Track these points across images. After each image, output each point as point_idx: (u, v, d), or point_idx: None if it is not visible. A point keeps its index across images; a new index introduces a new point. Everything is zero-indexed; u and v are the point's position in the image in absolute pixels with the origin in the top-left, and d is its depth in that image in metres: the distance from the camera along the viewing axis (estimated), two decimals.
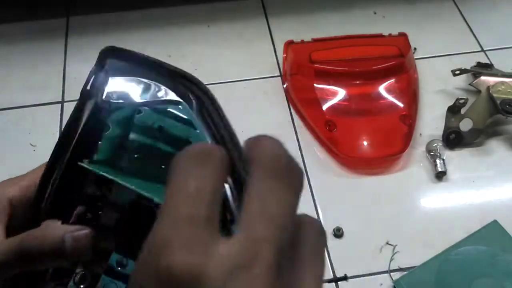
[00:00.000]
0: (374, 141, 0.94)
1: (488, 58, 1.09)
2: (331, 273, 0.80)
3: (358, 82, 0.98)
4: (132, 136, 0.33)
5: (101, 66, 0.34)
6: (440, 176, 0.90)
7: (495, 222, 0.84)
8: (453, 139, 0.93)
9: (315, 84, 0.98)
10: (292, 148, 0.94)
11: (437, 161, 0.90)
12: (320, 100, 0.97)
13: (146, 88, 0.33)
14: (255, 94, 1.04)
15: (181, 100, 0.33)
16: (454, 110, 0.93)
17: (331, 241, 0.83)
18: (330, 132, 0.94)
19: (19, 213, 0.34)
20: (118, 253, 0.31)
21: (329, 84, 0.98)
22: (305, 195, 0.88)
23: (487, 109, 0.93)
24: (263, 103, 1.02)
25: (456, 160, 0.93)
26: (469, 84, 1.00)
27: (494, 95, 0.92)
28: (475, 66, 1.05)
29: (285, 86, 1.04)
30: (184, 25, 1.17)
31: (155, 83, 0.33)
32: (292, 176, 0.25)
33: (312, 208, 0.87)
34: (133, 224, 0.32)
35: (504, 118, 0.96)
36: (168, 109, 0.33)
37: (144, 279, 0.21)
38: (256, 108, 1.01)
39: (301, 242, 0.24)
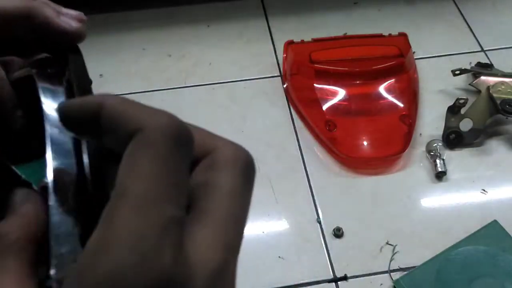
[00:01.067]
0: (374, 141, 0.94)
1: (488, 58, 1.09)
2: (331, 273, 0.80)
3: (358, 82, 0.98)
4: None
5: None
6: (440, 176, 0.90)
7: (495, 222, 0.84)
8: (453, 139, 0.93)
9: (315, 84, 0.98)
10: (292, 148, 0.95)
11: (437, 161, 0.90)
12: (320, 100, 0.97)
13: None
14: (255, 94, 1.04)
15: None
16: (454, 110, 0.93)
17: (331, 241, 0.83)
18: (330, 132, 0.94)
19: None
20: None
21: (329, 84, 0.98)
22: (305, 195, 0.88)
23: (487, 109, 0.93)
24: (263, 103, 1.02)
25: (456, 160, 0.93)
26: (469, 84, 1.00)
27: (494, 95, 0.92)
28: (475, 66, 1.05)
29: (285, 86, 1.04)
30: (184, 25, 1.17)
31: None
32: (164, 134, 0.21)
33: (312, 208, 0.87)
34: None
35: (504, 118, 0.96)
36: None
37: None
38: (256, 108, 1.01)
39: (207, 184, 0.21)
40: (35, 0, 0.29)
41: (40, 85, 0.28)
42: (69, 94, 0.28)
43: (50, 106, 0.26)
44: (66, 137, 0.25)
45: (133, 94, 1.04)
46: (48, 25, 0.30)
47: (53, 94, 0.27)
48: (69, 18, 0.31)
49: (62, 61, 0.32)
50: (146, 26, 1.17)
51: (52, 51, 0.32)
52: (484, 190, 0.90)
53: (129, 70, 1.08)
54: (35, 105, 0.27)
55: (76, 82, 0.29)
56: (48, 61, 0.31)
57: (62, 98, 0.27)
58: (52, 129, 0.25)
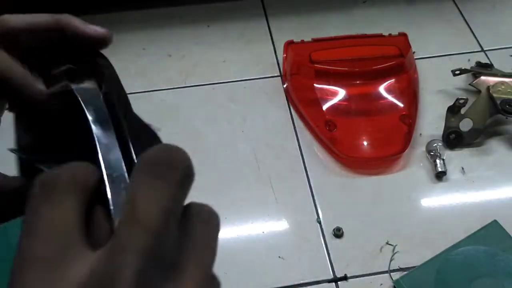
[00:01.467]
0: (374, 141, 0.94)
1: (488, 58, 1.09)
2: (331, 273, 0.80)
3: (358, 82, 0.98)
4: None
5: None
6: (440, 176, 0.90)
7: (495, 222, 0.84)
8: (453, 139, 0.93)
9: (315, 84, 0.98)
10: (292, 148, 0.95)
11: (437, 161, 0.90)
12: (320, 100, 0.97)
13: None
14: (255, 94, 1.04)
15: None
16: (454, 110, 0.93)
17: (331, 241, 0.83)
18: (330, 132, 0.94)
19: None
20: None
21: (329, 84, 0.98)
22: (305, 195, 0.88)
23: (487, 109, 0.93)
24: (263, 103, 1.02)
25: (456, 160, 0.93)
26: (469, 84, 1.00)
27: (494, 95, 0.92)
28: (475, 66, 1.05)
29: (285, 86, 1.04)
30: (184, 25, 1.17)
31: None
32: (171, 170, 0.22)
33: (312, 208, 0.87)
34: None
35: (504, 118, 0.96)
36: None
37: None
38: (256, 108, 1.01)
39: (186, 235, 0.23)
40: (62, 14, 0.33)
41: (84, 105, 0.29)
42: (110, 109, 0.30)
43: (97, 128, 0.28)
44: (115, 155, 0.26)
45: (133, 94, 1.04)
46: (77, 32, 0.34)
47: (97, 113, 0.29)
48: (94, 27, 0.34)
49: (96, 72, 0.34)
50: (146, 26, 1.17)
51: (83, 61, 0.33)
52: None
53: (129, 70, 1.08)
54: (75, 118, 0.28)
55: (115, 97, 0.31)
56: (82, 72, 0.33)
57: (106, 117, 0.29)
58: (101, 145, 0.26)
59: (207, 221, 0.24)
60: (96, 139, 0.27)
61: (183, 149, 0.24)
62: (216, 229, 0.25)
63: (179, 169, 0.23)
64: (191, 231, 0.23)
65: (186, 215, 0.24)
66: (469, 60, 1.07)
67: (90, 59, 0.33)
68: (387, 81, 0.98)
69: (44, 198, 0.23)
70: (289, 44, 1.04)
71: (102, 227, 0.23)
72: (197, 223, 0.24)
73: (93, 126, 0.27)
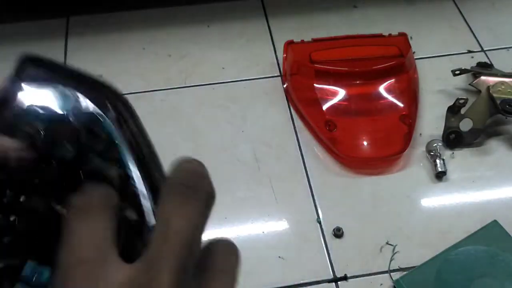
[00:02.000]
0: (374, 141, 0.94)
1: (488, 58, 1.09)
2: (331, 273, 0.80)
3: (358, 82, 0.98)
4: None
5: (18, 75, 0.33)
6: (440, 176, 0.90)
7: (495, 222, 0.84)
8: (453, 139, 0.93)
9: (315, 84, 0.98)
10: (292, 148, 0.95)
11: (437, 161, 0.90)
12: (320, 100, 0.97)
13: (65, 97, 0.32)
14: (255, 94, 1.04)
15: (101, 112, 0.33)
16: (454, 110, 0.93)
17: (331, 241, 0.83)
18: (330, 132, 0.94)
19: None
20: (33, 260, 0.30)
21: (329, 84, 0.98)
22: (305, 195, 0.88)
23: (487, 109, 0.93)
24: (263, 103, 1.02)
25: (456, 160, 0.93)
26: (469, 84, 1.00)
27: (494, 95, 0.92)
28: (475, 66, 1.05)
29: (285, 86, 1.04)
30: (184, 25, 1.17)
31: (74, 92, 0.33)
32: (200, 195, 0.25)
33: (312, 208, 0.87)
34: (48, 232, 0.31)
35: (504, 118, 0.96)
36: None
37: None
38: (256, 108, 1.01)
39: (209, 262, 0.26)
40: None
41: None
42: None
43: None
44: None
45: (133, 94, 1.04)
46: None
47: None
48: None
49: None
50: (146, 26, 1.17)
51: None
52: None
53: (129, 70, 1.08)
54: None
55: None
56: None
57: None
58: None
59: (231, 251, 0.28)
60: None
61: (203, 167, 0.27)
62: (236, 264, 0.28)
63: (205, 190, 0.25)
64: (214, 257, 0.26)
65: (208, 245, 0.26)
66: (472, 57, 1.07)
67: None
68: (387, 81, 0.98)
69: (82, 215, 0.25)
70: (289, 44, 1.04)
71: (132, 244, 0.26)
72: (221, 251, 0.27)
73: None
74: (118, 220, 0.26)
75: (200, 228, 0.24)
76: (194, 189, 0.25)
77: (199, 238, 0.24)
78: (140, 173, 0.30)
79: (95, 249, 0.24)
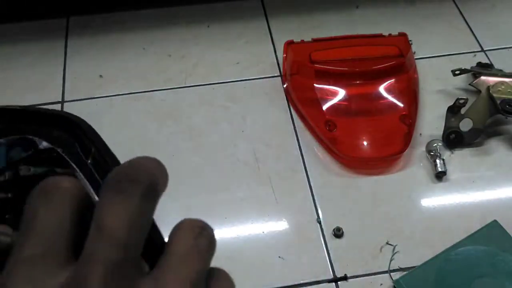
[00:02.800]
0: (374, 141, 0.94)
1: (488, 58, 1.09)
2: (331, 273, 0.80)
3: (358, 82, 0.98)
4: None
5: None
6: (440, 176, 0.90)
7: (495, 222, 0.84)
8: (453, 139, 0.93)
9: (315, 84, 0.98)
10: (292, 148, 0.95)
11: (437, 161, 0.90)
12: (320, 100, 0.97)
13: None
14: (255, 94, 1.04)
15: (52, 147, 0.33)
16: (454, 110, 0.93)
17: (331, 241, 0.83)
18: (330, 132, 0.94)
19: None
20: None
21: (329, 84, 0.98)
22: (305, 195, 0.88)
23: (487, 109, 0.93)
24: (263, 103, 1.02)
25: (456, 160, 0.93)
26: (469, 84, 1.00)
27: (494, 95, 0.92)
28: (475, 66, 1.05)
29: (285, 86, 1.04)
30: (184, 25, 1.17)
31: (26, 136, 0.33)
32: (135, 188, 0.23)
33: (312, 208, 0.87)
34: None
35: (504, 118, 0.96)
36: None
37: None
38: (256, 108, 1.01)
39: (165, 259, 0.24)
40: None
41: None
42: None
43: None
44: None
45: (133, 94, 1.04)
46: None
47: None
48: None
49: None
50: (146, 26, 1.17)
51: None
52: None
53: (129, 70, 1.08)
54: None
55: None
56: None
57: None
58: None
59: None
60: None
61: (152, 161, 0.25)
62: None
63: (141, 183, 0.23)
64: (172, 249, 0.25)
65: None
66: (474, 56, 1.07)
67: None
68: (387, 81, 0.98)
69: (43, 200, 0.24)
70: (289, 44, 1.04)
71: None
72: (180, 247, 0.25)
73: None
74: (80, 214, 0.25)
75: (137, 224, 0.23)
76: (129, 183, 0.23)
77: (138, 233, 0.23)
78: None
79: (47, 242, 0.23)
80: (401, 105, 0.97)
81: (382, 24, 1.14)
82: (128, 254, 0.22)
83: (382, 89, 0.98)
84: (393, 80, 0.99)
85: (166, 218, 0.29)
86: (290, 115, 1.00)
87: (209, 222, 0.26)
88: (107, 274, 0.22)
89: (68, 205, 0.24)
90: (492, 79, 0.96)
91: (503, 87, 0.94)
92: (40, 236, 0.23)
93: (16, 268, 0.23)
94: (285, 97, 1.03)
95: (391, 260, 0.81)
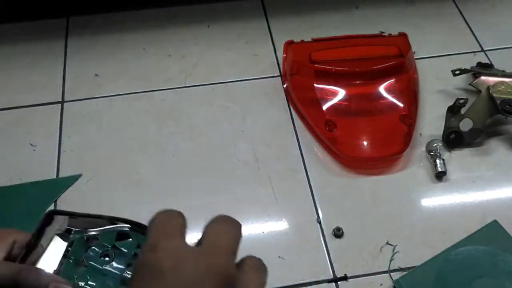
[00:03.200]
0: (374, 141, 0.94)
1: (488, 58, 1.09)
2: (331, 273, 0.80)
3: (358, 82, 0.98)
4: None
5: (47, 221, 0.44)
6: (440, 176, 0.90)
7: (495, 222, 0.84)
8: (453, 139, 0.93)
9: (315, 84, 0.98)
10: (292, 148, 0.95)
11: (437, 161, 0.90)
12: (320, 100, 0.97)
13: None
14: (255, 94, 1.04)
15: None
16: (454, 110, 0.93)
17: (331, 241, 0.83)
18: (330, 132, 0.94)
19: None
20: None
21: (329, 84, 0.98)
22: (305, 195, 0.89)
23: (487, 109, 0.93)
24: (263, 103, 1.02)
25: (456, 160, 0.93)
26: (469, 84, 1.00)
27: (494, 95, 0.92)
28: (475, 66, 1.05)
29: (285, 86, 1.04)
30: (184, 25, 1.17)
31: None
32: (234, 223, 0.41)
33: (312, 208, 0.87)
34: None
35: (504, 118, 0.96)
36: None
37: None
38: (256, 108, 1.01)
39: (242, 273, 0.37)
40: (24, 266, 0.40)
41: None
42: None
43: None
44: None
45: (133, 94, 1.04)
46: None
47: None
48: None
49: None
50: (146, 26, 1.17)
51: None
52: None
53: (129, 70, 1.08)
54: None
55: None
56: None
57: None
58: None
59: (260, 266, 0.40)
60: None
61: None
62: (263, 278, 0.39)
63: (236, 223, 0.40)
64: (246, 268, 0.38)
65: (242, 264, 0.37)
66: (474, 55, 1.07)
67: None
68: (387, 81, 0.98)
69: (165, 219, 0.36)
70: (289, 44, 1.04)
71: None
72: (251, 264, 0.40)
73: None
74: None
75: (238, 242, 0.39)
76: (232, 221, 0.41)
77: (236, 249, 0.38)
78: None
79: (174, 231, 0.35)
80: (401, 105, 0.97)
81: (382, 24, 1.14)
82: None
83: (382, 89, 0.98)
84: (393, 80, 0.99)
85: None
86: (290, 115, 1.00)
87: None
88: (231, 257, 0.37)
89: (180, 221, 0.37)
90: (492, 79, 0.96)
91: (503, 87, 0.94)
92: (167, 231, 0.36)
93: (164, 238, 0.35)
94: (285, 97, 1.03)
95: (391, 260, 0.81)
